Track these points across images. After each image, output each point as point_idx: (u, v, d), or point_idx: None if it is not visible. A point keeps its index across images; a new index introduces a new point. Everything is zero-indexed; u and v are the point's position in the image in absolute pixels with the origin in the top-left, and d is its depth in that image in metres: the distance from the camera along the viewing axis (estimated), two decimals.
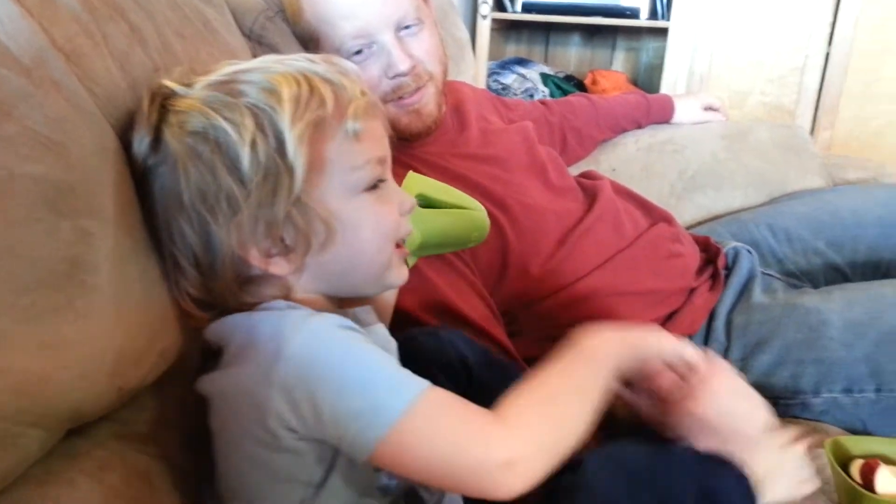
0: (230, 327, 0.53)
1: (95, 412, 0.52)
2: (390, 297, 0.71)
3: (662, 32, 2.30)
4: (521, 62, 2.56)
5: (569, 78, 2.58)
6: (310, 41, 0.96)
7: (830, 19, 2.11)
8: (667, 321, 0.95)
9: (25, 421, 0.44)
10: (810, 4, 2.12)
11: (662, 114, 1.47)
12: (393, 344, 0.60)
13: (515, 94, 2.36)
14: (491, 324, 0.84)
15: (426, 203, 0.72)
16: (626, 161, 1.39)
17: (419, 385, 0.48)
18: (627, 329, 0.60)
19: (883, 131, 2.15)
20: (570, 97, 1.42)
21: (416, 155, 0.95)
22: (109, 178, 0.51)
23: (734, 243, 1.10)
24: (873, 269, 1.11)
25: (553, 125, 1.31)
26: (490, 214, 0.90)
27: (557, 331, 0.61)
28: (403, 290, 0.72)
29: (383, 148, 0.58)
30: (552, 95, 2.37)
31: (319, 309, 0.55)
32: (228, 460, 0.54)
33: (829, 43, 2.13)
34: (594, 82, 2.48)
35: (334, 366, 0.48)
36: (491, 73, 2.46)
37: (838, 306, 0.90)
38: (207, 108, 0.52)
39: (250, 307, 0.54)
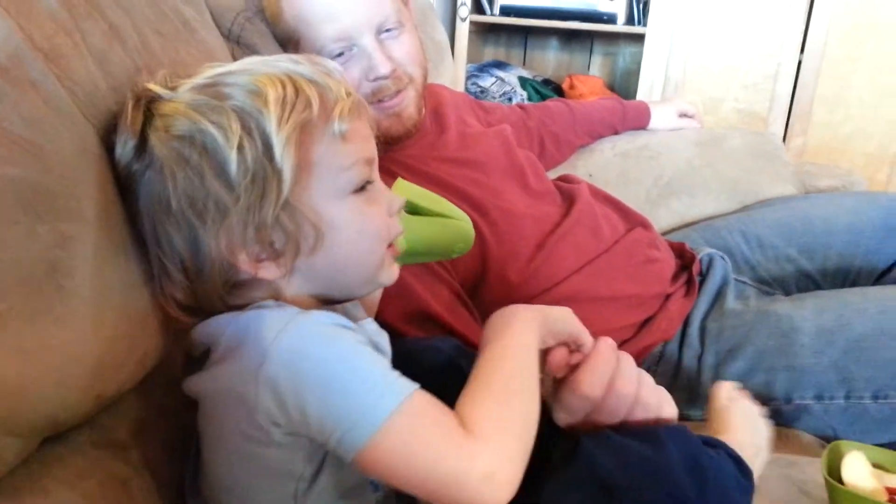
0: (219, 327, 0.53)
1: (73, 419, 0.51)
2: (376, 292, 0.71)
3: (639, 38, 2.32)
4: (500, 65, 2.57)
5: (547, 82, 2.59)
6: (289, 43, 0.95)
7: (802, 27, 2.15)
8: (643, 326, 0.96)
9: (0, 429, 0.43)
10: (783, 13, 2.16)
11: (639, 120, 1.49)
12: (384, 337, 0.60)
13: (494, 98, 2.37)
14: (472, 329, 0.84)
15: (412, 210, 0.71)
16: (602, 167, 1.41)
17: (403, 390, 0.48)
18: (538, 306, 0.61)
19: (854, 137, 2.19)
20: (547, 102, 1.43)
21: (396, 158, 0.95)
22: (89, 179, 0.50)
23: (708, 250, 1.12)
24: (843, 277, 1.13)
25: (531, 130, 1.32)
26: (469, 218, 0.91)
27: None
28: (384, 298, 0.72)
29: (370, 148, 0.58)
30: (530, 99, 2.38)
31: (309, 309, 0.55)
32: (218, 458, 0.53)
33: (801, 51, 2.17)
34: (572, 86, 2.49)
35: (321, 366, 0.48)
36: (469, 76, 2.46)
37: (809, 313, 0.91)
38: (193, 112, 0.51)
39: (239, 308, 0.54)
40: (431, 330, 0.81)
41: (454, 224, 0.76)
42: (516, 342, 0.56)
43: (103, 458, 0.52)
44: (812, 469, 0.74)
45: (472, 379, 0.53)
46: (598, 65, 2.74)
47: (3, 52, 0.46)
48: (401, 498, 0.57)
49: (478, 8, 2.49)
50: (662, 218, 1.34)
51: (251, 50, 0.95)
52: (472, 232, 0.77)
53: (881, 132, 2.16)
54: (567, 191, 1.07)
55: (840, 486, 0.65)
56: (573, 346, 0.61)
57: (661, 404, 0.62)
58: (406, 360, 0.62)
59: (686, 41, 2.26)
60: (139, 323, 0.54)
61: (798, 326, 0.90)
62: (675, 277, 1.03)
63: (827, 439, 0.85)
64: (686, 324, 0.97)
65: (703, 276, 1.05)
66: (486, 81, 2.44)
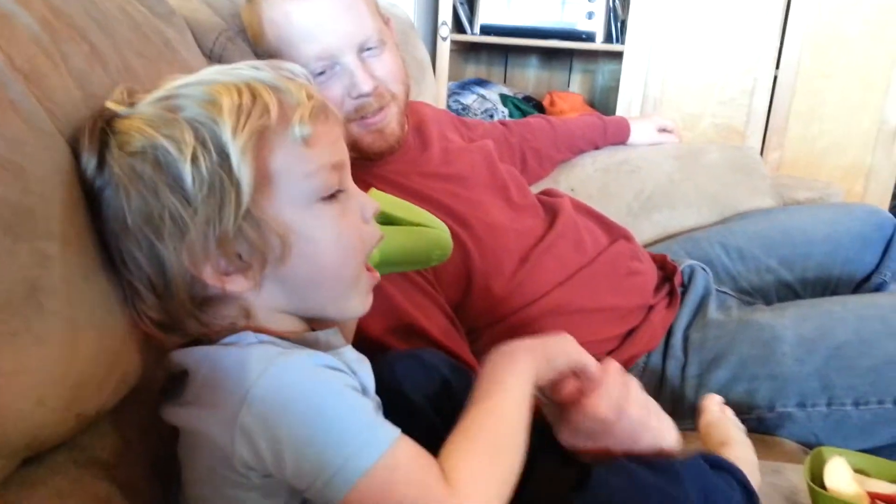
0: (195, 360, 0.52)
1: (53, 439, 0.50)
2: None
3: (617, 56, 2.35)
4: (481, 83, 2.59)
5: (528, 99, 2.62)
6: None
7: (777, 43, 2.19)
8: (626, 338, 0.97)
9: None
10: (758, 30, 2.20)
11: (619, 135, 1.50)
12: (366, 365, 0.58)
13: (475, 115, 2.39)
14: (457, 342, 0.84)
15: (387, 220, 0.71)
16: (584, 181, 1.42)
17: (383, 442, 0.47)
18: (538, 341, 0.60)
19: (829, 150, 2.23)
20: (529, 118, 1.45)
21: (379, 174, 0.96)
22: (69, 199, 0.50)
23: (690, 261, 1.13)
24: (823, 286, 1.15)
25: (513, 145, 1.33)
26: (452, 233, 0.91)
27: None
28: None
29: (337, 153, 0.55)
30: (511, 116, 2.40)
31: (286, 331, 0.54)
32: (199, 491, 0.53)
33: (777, 66, 2.21)
34: (552, 103, 2.52)
35: (298, 417, 0.46)
36: (451, 94, 2.48)
37: (790, 322, 0.92)
38: (147, 127, 0.50)
39: (215, 333, 0.53)
40: (416, 343, 0.81)
41: (430, 232, 0.76)
42: (511, 396, 0.54)
43: (85, 477, 0.52)
44: (795, 475, 0.75)
45: (461, 428, 0.51)
46: (577, 82, 2.77)
47: None
48: None
49: (458, 27, 2.52)
50: (644, 231, 1.35)
51: None
52: (448, 240, 0.77)
53: (856, 145, 2.19)
54: (550, 204, 1.08)
55: (823, 491, 0.65)
56: (578, 373, 0.62)
57: (666, 431, 0.62)
58: (391, 381, 0.62)
59: (664, 58, 2.29)
60: (120, 341, 0.54)
61: (779, 335, 0.91)
62: (657, 289, 1.04)
63: (810, 446, 0.85)
64: (669, 334, 0.98)
65: (685, 288, 1.06)
66: (468, 98, 2.45)
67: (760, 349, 0.91)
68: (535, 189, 1.20)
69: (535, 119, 1.44)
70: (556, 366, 0.60)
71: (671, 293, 1.04)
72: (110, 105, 0.53)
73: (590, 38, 2.37)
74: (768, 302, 1.14)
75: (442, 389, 0.66)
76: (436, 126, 1.12)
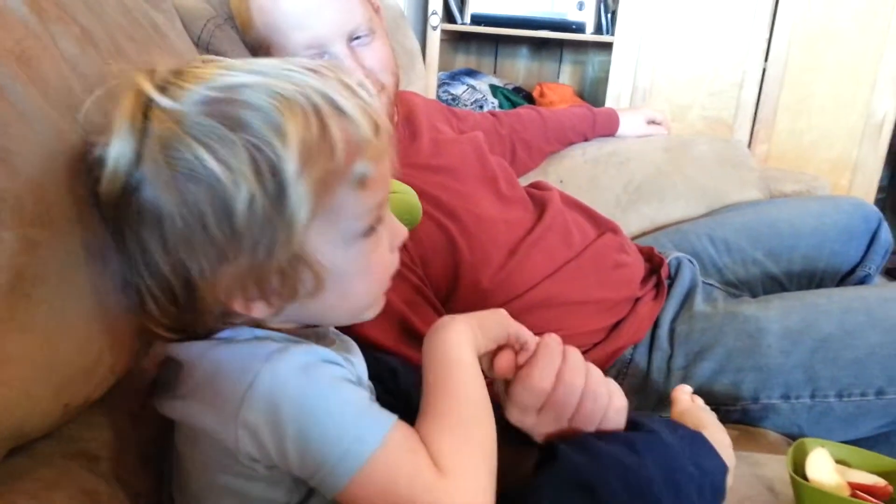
0: (193, 355, 0.51)
1: (40, 430, 0.50)
2: None
3: (607, 47, 2.35)
4: (471, 73, 2.58)
5: (517, 90, 2.61)
6: (260, 50, 0.95)
7: (766, 36, 2.20)
8: (613, 329, 0.97)
9: None
10: (747, 22, 2.20)
11: (608, 127, 1.51)
12: (357, 352, 0.58)
13: (465, 105, 2.38)
14: None
15: None
16: (573, 173, 1.42)
17: (380, 429, 0.47)
18: (472, 315, 0.59)
19: (816, 144, 2.24)
20: (519, 109, 1.45)
21: None
22: (60, 184, 0.49)
23: (677, 253, 1.13)
24: (808, 279, 1.16)
25: (503, 137, 1.33)
26: (441, 225, 0.91)
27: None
28: None
29: (386, 188, 0.53)
30: (501, 107, 2.40)
31: (282, 326, 0.54)
32: (199, 482, 0.53)
33: (766, 59, 2.21)
34: (542, 94, 2.52)
35: (299, 410, 0.46)
36: (441, 84, 2.47)
37: (776, 315, 0.93)
38: (197, 144, 0.45)
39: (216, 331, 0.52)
40: (405, 339, 0.81)
41: (397, 198, 0.74)
42: (464, 369, 0.54)
43: (72, 469, 0.51)
44: (778, 466, 0.76)
45: (425, 410, 0.51)
46: (567, 73, 2.77)
47: None
48: None
49: (449, 17, 2.51)
50: (632, 223, 1.36)
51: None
52: (417, 204, 0.76)
53: (842, 139, 2.21)
54: (539, 197, 1.08)
55: (805, 482, 0.66)
56: (517, 347, 0.61)
57: (610, 395, 0.61)
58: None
59: (653, 50, 2.29)
60: (110, 331, 0.53)
61: (765, 328, 0.92)
62: (644, 281, 1.04)
63: (793, 437, 0.86)
64: (655, 326, 0.99)
65: (672, 280, 1.07)
66: (458, 89, 2.45)
67: (746, 341, 0.92)
68: (525, 181, 1.20)
69: (525, 110, 1.44)
70: (493, 336, 0.59)
71: (658, 285, 1.04)
72: (149, 91, 0.47)
73: (580, 28, 2.37)
74: (754, 294, 1.15)
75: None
76: (426, 116, 1.11)
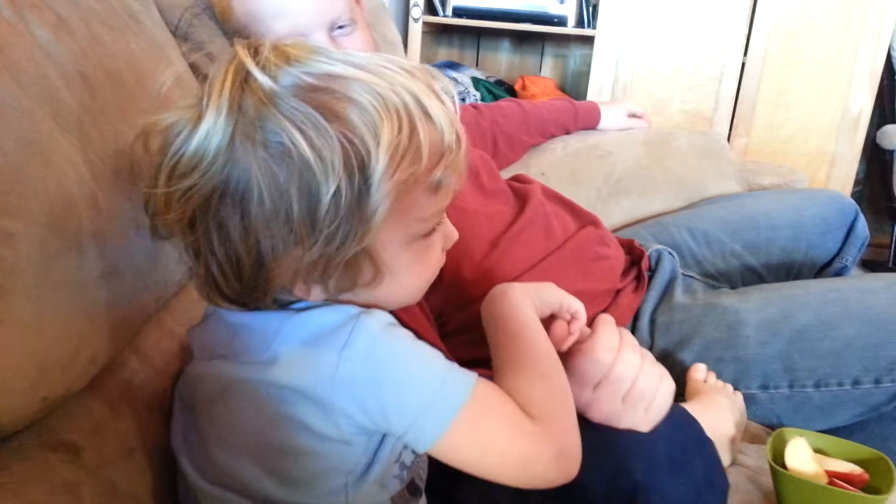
0: (265, 323, 0.51)
1: (17, 423, 0.49)
2: None
3: (589, 40, 2.36)
4: (453, 66, 2.58)
5: (499, 82, 2.61)
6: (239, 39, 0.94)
7: (745, 31, 2.21)
8: (593, 321, 0.97)
9: None
10: (727, 17, 2.22)
11: (589, 120, 1.51)
12: None
13: None
14: (424, 327, 0.84)
15: None
16: (554, 165, 1.42)
17: (469, 380, 0.50)
18: (527, 283, 0.63)
19: (794, 137, 2.27)
20: (500, 102, 1.45)
21: None
22: (35, 173, 0.48)
23: (657, 246, 1.14)
24: (786, 270, 1.17)
25: (484, 129, 1.33)
26: None
27: None
28: None
29: (452, 194, 0.54)
30: (483, 99, 2.40)
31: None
32: (247, 450, 0.52)
33: (745, 53, 2.23)
34: (524, 87, 2.52)
35: (395, 363, 0.48)
36: None
37: (754, 306, 0.94)
38: (294, 130, 0.45)
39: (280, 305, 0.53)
40: None
41: None
42: (524, 323, 0.58)
43: (52, 462, 0.50)
44: (758, 455, 0.77)
45: (501, 367, 0.55)
46: (549, 66, 2.77)
47: None
48: (414, 488, 0.58)
49: (430, 9, 2.50)
50: (613, 215, 1.37)
51: (199, 48, 0.93)
52: None
53: (820, 133, 2.24)
54: (520, 190, 1.08)
55: (784, 470, 0.67)
56: (568, 317, 0.64)
57: (662, 376, 0.64)
58: None
59: (634, 44, 2.30)
60: (89, 322, 0.52)
61: (744, 319, 0.93)
62: (624, 273, 1.05)
63: (772, 427, 0.87)
64: (636, 318, 0.99)
65: (652, 272, 1.07)
66: None
67: (725, 332, 0.93)
68: (507, 174, 1.20)
69: (506, 103, 1.44)
70: (549, 302, 0.63)
71: (638, 277, 1.05)
72: (250, 66, 0.46)
73: (562, 22, 2.37)
74: (733, 286, 1.16)
75: None
76: None
